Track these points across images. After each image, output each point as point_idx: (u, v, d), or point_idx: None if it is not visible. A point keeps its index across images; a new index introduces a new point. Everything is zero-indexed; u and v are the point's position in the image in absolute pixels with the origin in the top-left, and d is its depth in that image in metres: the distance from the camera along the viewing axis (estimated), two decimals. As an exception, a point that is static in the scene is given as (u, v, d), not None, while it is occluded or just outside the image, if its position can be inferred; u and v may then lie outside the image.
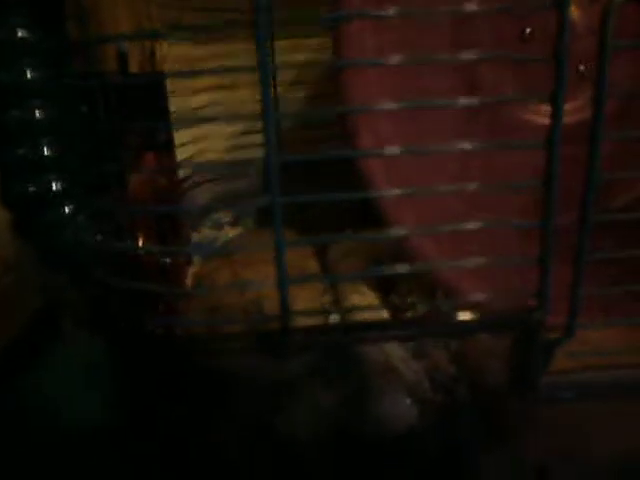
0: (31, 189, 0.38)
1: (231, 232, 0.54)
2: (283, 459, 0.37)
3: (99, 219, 0.39)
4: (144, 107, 0.47)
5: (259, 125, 0.24)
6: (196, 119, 0.49)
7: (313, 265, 0.48)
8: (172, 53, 0.53)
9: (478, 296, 0.29)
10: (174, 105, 0.51)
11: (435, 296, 0.34)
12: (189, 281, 0.49)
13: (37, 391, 0.43)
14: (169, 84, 0.51)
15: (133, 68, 0.46)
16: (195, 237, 0.52)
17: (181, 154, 0.54)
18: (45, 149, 0.37)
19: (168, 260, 0.48)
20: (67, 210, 0.39)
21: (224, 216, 0.55)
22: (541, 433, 0.31)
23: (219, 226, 0.54)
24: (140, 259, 0.45)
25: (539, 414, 0.31)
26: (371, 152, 0.36)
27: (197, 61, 0.55)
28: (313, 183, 0.34)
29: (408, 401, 0.35)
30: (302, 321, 0.27)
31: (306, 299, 0.39)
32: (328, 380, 0.35)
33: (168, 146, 0.51)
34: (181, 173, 0.53)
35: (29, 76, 0.36)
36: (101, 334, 0.40)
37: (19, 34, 0.36)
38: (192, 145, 0.55)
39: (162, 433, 0.37)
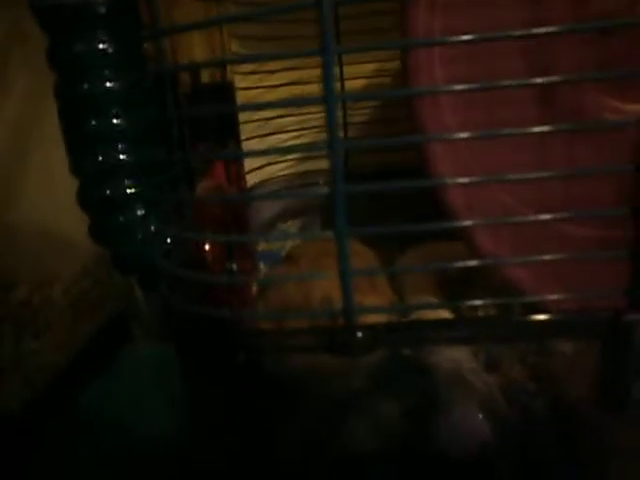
0: (106, 193, 0.39)
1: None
2: (343, 475, 0.36)
3: (168, 223, 0.40)
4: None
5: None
6: (260, 104, 0.49)
7: (381, 281, 0.46)
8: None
9: (555, 297, 0.27)
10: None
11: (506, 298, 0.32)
12: (255, 289, 0.49)
13: (106, 399, 0.44)
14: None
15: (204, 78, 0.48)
16: (261, 246, 0.52)
17: (250, 165, 0.55)
18: (121, 155, 0.39)
19: (234, 267, 0.48)
20: (139, 213, 0.40)
21: (291, 225, 0.55)
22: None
23: (285, 236, 0.54)
24: (207, 266, 0.45)
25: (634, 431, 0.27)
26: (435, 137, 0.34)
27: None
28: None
29: (480, 415, 0.33)
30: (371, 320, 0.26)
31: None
32: (393, 390, 0.34)
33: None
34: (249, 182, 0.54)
35: (107, 86, 0.38)
36: (170, 338, 0.41)
37: (100, 46, 0.38)
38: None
39: (227, 438, 0.37)
